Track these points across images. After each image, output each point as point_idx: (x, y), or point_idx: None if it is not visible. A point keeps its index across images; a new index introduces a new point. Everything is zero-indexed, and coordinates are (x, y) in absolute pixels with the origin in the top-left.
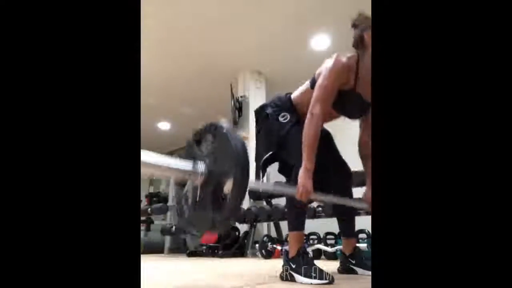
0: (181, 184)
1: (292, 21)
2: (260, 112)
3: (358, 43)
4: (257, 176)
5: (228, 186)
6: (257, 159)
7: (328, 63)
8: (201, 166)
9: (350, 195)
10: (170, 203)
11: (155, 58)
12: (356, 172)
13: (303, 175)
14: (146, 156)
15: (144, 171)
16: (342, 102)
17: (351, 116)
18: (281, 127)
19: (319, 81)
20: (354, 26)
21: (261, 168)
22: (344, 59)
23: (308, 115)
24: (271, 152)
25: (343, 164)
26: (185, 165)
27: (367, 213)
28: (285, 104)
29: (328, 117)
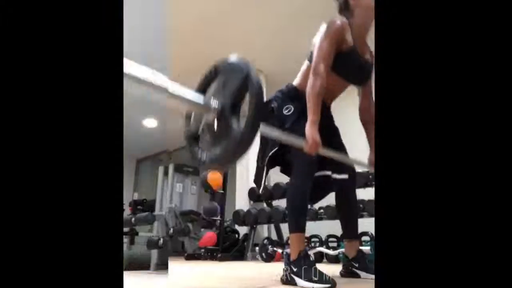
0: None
1: (292, 21)
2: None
3: (343, 8)
4: (259, 179)
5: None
6: (260, 159)
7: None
8: (214, 101)
9: (354, 195)
10: (157, 211)
11: None
12: (360, 173)
13: (310, 128)
14: (158, 78)
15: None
16: (343, 63)
17: (352, 79)
18: (285, 121)
19: (317, 44)
20: None
21: (266, 167)
22: (338, 21)
23: (312, 75)
24: (276, 148)
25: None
26: (198, 98)
27: (370, 215)
28: (288, 93)
29: (332, 90)
